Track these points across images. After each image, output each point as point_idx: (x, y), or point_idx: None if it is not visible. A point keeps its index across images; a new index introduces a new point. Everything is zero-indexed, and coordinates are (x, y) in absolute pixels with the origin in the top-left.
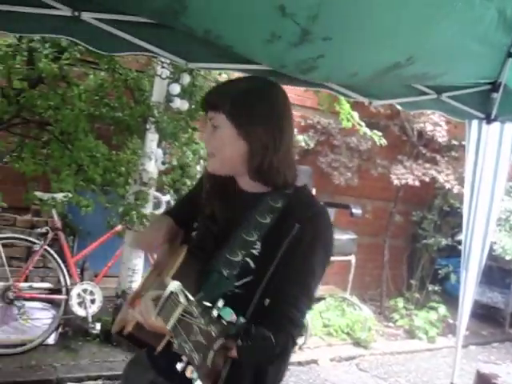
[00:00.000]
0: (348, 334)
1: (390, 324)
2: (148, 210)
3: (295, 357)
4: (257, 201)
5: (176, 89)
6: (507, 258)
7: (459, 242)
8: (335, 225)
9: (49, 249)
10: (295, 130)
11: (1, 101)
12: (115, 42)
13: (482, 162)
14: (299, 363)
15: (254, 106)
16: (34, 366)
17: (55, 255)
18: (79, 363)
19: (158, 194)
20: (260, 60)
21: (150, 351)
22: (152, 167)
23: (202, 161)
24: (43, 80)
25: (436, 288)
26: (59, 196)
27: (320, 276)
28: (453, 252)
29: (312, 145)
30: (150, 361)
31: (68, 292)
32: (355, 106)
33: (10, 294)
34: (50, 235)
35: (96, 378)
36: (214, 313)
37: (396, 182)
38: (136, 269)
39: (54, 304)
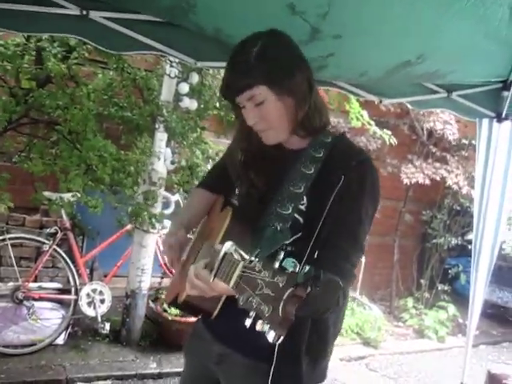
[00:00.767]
0: (358, 333)
1: (400, 324)
2: (157, 209)
3: None
4: (299, 155)
5: (185, 88)
6: None
7: (469, 242)
8: None
9: (58, 249)
10: None
11: (9, 100)
12: (124, 41)
13: (493, 162)
14: None
15: (282, 58)
16: (44, 366)
17: (64, 255)
18: (89, 363)
19: (167, 194)
20: None
21: (208, 323)
22: (161, 167)
23: (210, 160)
24: (51, 79)
25: (446, 288)
26: (67, 196)
27: (368, 225)
28: (462, 251)
29: None
30: (213, 333)
31: (77, 292)
32: (365, 104)
33: (20, 294)
34: (59, 235)
35: (106, 378)
36: (276, 265)
37: (406, 180)
38: (145, 268)
39: (64, 304)
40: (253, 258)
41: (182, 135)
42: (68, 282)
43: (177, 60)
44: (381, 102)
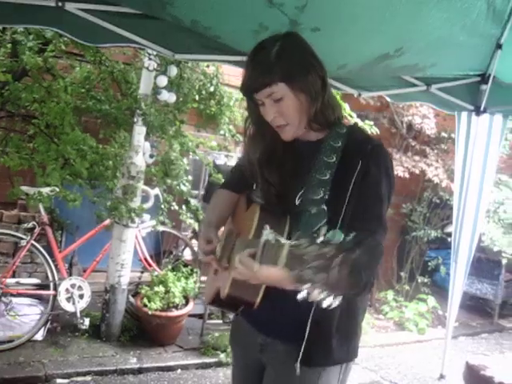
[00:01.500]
0: None
1: (381, 316)
2: (136, 203)
3: None
4: (318, 146)
5: (163, 81)
6: (495, 249)
7: (449, 234)
8: None
9: (36, 244)
10: None
11: None
12: (101, 34)
13: (472, 154)
14: None
15: (298, 58)
16: (22, 363)
17: (42, 250)
18: (68, 359)
19: (146, 188)
20: (248, 51)
21: (247, 316)
22: (140, 160)
23: (191, 153)
24: (28, 73)
25: (426, 280)
26: (46, 190)
27: (388, 203)
28: (442, 244)
29: None
30: (253, 324)
31: (56, 287)
32: (344, 98)
33: None
34: (37, 230)
35: (85, 374)
36: (321, 239)
37: None
38: (124, 263)
39: (42, 300)
40: (298, 238)
41: (161, 128)
42: (46, 277)
43: (155, 53)
44: (360, 95)
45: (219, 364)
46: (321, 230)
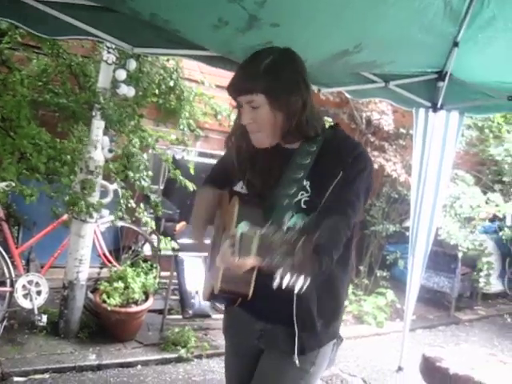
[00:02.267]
0: None
1: None
2: (95, 198)
3: None
4: (293, 150)
5: (122, 75)
6: (452, 243)
7: (407, 229)
8: None
9: None
10: None
11: None
12: (59, 26)
13: (429, 150)
14: None
15: (285, 77)
16: None
17: None
18: (25, 357)
19: (105, 183)
20: (208, 45)
21: (244, 305)
22: (98, 155)
23: (151, 149)
24: None
25: (384, 274)
26: (2, 185)
27: (363, 202)
28: (400, 238)
29: None
30: (251, 313)
31: (13, 284)
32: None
33: None
34: None
35: (43, 372)
36: (285, 226)
37: None
38: (83, 259)
39: None
40: (268, 227)
41: (120, 123)
42: (3, 273)
43: (114, 46)
44: (320, 90)
45: (179, 359)
46: (285, 217)
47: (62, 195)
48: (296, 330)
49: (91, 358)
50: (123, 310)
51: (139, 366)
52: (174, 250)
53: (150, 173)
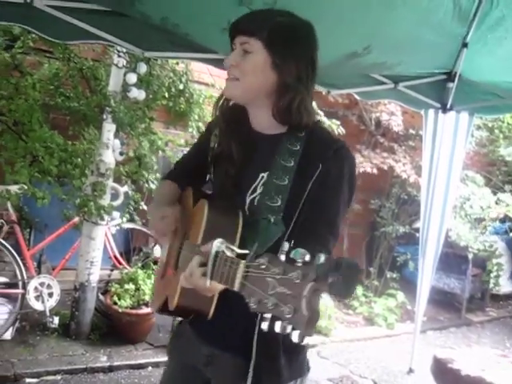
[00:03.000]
0: None
1: (350, 311)
2: (106, 201)
3: None
4: (274, 144)
5: (133, 78)
6: (462, 244)
7: (417, 230)
8: None
9: (4, 242)
10: None
11: None
12: (70, 30)
13: (439, 151)
14: None
15: (293, 40)
16: None
17: (10, 248)
18: (37, 358)
19: (115, 185)
20: (217, 48)
21: (195, 325)
22: (109, 158)
23: (160, 152)
24: None
25: (394, 275)
26: (14, 188)
27: (344, 213)
28: (410, 240)
29: None
30: (200, 335)
31: (25, 286)
32: (313, 95)
33: None
34: (5, 228)
35: (55, 373)
36: (283, 258)
37: None
38: (94, 261)
39: (11, 298)
40: (257, 254)
41: (131, 126)
42: (15, 275)
43: (124, 50)
44: (329, 92)
45: None
46: (282, 245)
47: (73, 198)
48: (253, 359)
49: (102, 360)
50: (134, 311)
51: (150, 368)
52: None
53: (159, 175)
